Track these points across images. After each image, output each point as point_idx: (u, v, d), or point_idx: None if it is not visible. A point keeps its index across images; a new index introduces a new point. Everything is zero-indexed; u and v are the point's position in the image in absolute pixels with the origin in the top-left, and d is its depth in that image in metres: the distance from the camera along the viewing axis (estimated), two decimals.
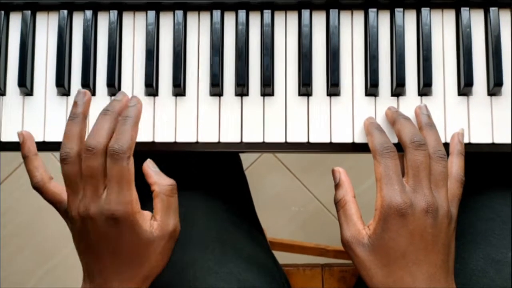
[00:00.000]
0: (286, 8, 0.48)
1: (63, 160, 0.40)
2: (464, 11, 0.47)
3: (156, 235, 0.41)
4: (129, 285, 0.41)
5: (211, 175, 0.54)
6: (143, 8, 0.48)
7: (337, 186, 0.44)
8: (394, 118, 0.45)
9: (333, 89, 0.46)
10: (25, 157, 0.44)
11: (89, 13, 0.47)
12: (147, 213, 0.41)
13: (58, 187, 0.44)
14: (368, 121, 0.46)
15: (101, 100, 0.47)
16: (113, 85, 0.47)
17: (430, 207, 0.40)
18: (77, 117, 0.41)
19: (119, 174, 0.39)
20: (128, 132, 0.40)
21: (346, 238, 0.42)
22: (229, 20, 0.48)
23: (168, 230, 0.42)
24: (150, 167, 0.43)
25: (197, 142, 0.47)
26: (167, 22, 0.48)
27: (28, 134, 0.45)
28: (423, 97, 0.46)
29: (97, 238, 0.40)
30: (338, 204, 0.44)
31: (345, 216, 0.43)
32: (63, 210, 0.43)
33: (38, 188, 0.44)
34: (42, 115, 0.47)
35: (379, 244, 0.40)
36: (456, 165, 0.44)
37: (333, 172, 0.45)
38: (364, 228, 0.42)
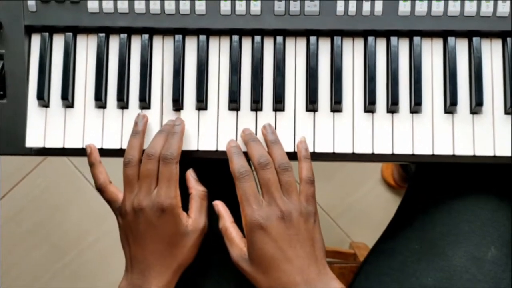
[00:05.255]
0: (296, 34, 0.54)
1: (126, 164, 0.50)
2: (451, 39, 0.53)
3: (190, 230, 0.50)
4: (166, 271, 0.49)
5: (216, 179, 0.59)
6: (171, 32, 0.54)
7: (219, 217, 0.51)
8: (245, 141, 0.51)
9: (336, 106, 0.53)
10: (92, 164, 0.52)
11: (124, 36, 0.54)
12: (184, 212, 0.50)
13: (115, 189, 0.52)
14: (230, 146, 0.51)
15: (133, 112, 0.54)
16: (144, 100, 0.53)
17: (283, 214, 0.47)
18: (138, 133, 0.51)
19: (168, 174, 0.48)
20: (176, 143, 0.50)
21: (233, 258, 0.49)
22: (246, 44, 0.54)
23: (200, 226, 0.50)
24: (191, 174, 0.53)
25: (216, 151, 0.53)
26: (192, 45, 0.54)
27: (94, 146, 0.52)
28: (414, 115, 0.53)
29: (145, 227, 0.49)
30: (221, 231, 0.51)
31: (228, 240, 0.50)
32: (117, 207, 0.51)
33: (101, 188, 0.52)
34: (81, 125, 0.54)
35: (253, 256, 0.48)
36: (304, 169, 0.51)
37: (213, 206, 0.52)
38: (245, 246, 0.49)
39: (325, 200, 1.21)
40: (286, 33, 0.54)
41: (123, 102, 0.53)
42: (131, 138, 0.51)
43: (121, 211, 0.51)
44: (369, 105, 0.53)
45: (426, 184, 0.63)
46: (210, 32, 0.54)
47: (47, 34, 0.54)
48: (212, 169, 0.57)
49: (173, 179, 0.49)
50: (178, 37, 0.54)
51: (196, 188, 0.52)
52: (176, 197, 0.49)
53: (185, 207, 0.51)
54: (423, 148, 0.52)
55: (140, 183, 0.49)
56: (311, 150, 0.53)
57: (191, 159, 0.53)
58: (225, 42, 0.54)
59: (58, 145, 0.53)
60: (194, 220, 0.50)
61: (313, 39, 0.54)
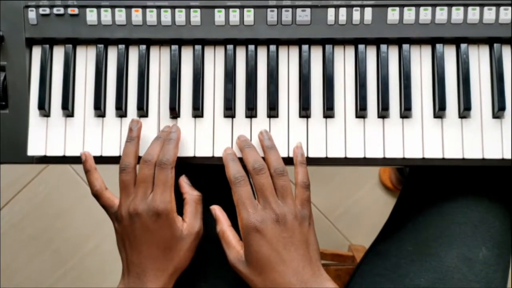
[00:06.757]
0: (288, 43, 0.56)
1: (122, 170, 0.51)
2: (439, 46, 0.55)
3: (185, 234, 0.51)
4: (162, 274, 0.50)
5: (213, 185, 0.60)
6: (168, 43, 0.56)
7: (216, 221, 0.53)
8: (241, 148, 0.53)
9: (329, 112, 0.54)
10: (87, 171, 0.53)
11: (121, 47, 0.56)
12: (179, 217, 0.52)
13: (111, 195, 0.53)
14: (226, 153, 0.53)
15: None
16: (142, 108, 0.55)
17: (278, 217, 0.49)
18: (133, 140, 0.52)
19: (164, 179, 0.50)
20: (172, 150, 0.51)
21: (230, 260, 0.51)
22: (240, 53, 0.56)
23: (195, 230, 0.52)
24: (184, 181, 0.54)
25: (212, 157, 0.55)
26: (187, 55, 0.56)
27: (89, 154, 0.54)
28: (404, 119, 0.55)
29: (141, 231, 0.50)
30: (219, 235, 0.52)
31: (226, 243, 0.52)
32: (113, 212, 0.52)
33: (97, 195, 0.53)
34: (81, 133, 0.55)
35: (250, 258, 0.49)
36: (300, 174, 0.52)
37: (210, 210, 0.54)
38: (241, 249, 0.50)
39: (323, 203, 1.23)
40: (279, 42, 0.56)
41: (121, 111, 0.55)
42: (126, 145, 0.53)
43: (117, 216, 0.52)
44: (361, 111, 0.54)
45: (419, 186, 0.64)
46: (205, 42, 0.56)
47: (47, 46, 0.56)
48: (209, 175, 0.59)
49: (168, 184, 0.50)
50: (174, 47, 0.55)
51: (190, 193, 0.54)
52: (171, 202, 0.50)
53: (180, 212, 0.53)
54: (413, 152, 0.54)
55: (136, 188, 0.51)
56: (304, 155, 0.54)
57: (188, 166, 0.55)
58: (220, 51, 0.56)
59: (59, 153, 0.55)
60: (189, 224, 0.52)
61: (305, 47, 0.55)
